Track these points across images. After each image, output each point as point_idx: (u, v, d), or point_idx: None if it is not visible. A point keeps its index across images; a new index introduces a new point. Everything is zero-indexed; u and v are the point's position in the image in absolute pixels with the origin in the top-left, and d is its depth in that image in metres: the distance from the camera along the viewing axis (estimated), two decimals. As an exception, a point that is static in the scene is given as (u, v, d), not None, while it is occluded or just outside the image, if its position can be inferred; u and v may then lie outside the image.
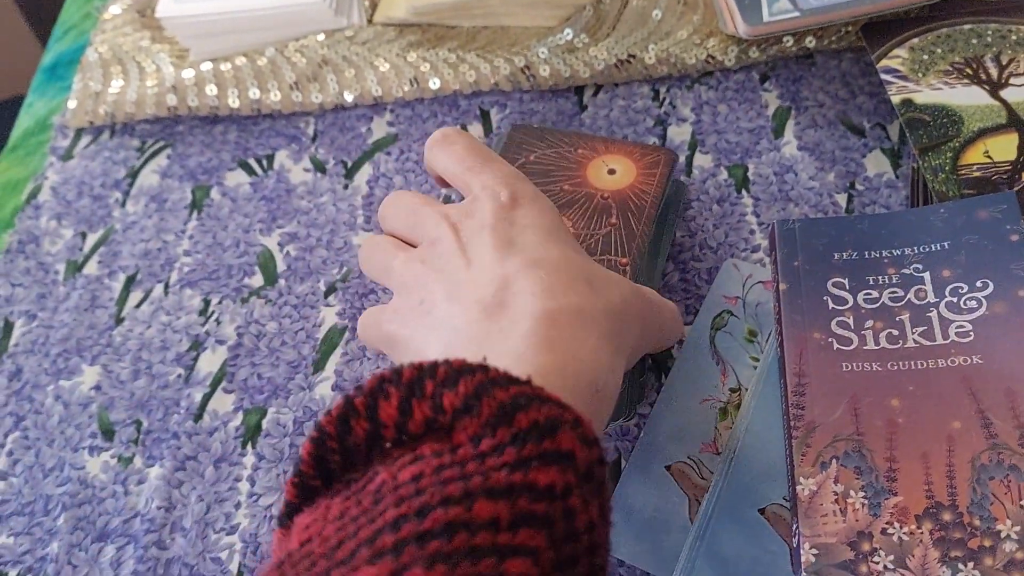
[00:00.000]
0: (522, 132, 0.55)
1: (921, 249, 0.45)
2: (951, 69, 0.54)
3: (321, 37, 0.65)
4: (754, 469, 0.42)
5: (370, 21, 0.66)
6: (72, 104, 0.65)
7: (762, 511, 0.41)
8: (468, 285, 0.37)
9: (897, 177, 0.55)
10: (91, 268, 0.58)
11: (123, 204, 0.61)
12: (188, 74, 0.64)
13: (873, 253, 0.46)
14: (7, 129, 0.76)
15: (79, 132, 0.66)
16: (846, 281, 0.45)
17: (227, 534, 0.46)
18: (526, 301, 0.35)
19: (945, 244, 0.45)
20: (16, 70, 1.31)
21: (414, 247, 0.42)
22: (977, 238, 0.44)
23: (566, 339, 0.34)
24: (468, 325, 0.35)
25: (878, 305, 0.44)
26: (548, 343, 0.34)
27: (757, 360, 0.48)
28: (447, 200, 0.57)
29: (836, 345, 0.43)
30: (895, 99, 0.53)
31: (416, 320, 0.38)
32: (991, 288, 0.42)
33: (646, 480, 0.44)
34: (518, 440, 0.27)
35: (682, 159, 0.58)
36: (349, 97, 0.63)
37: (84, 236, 0.59)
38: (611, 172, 0.52)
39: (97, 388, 0.52)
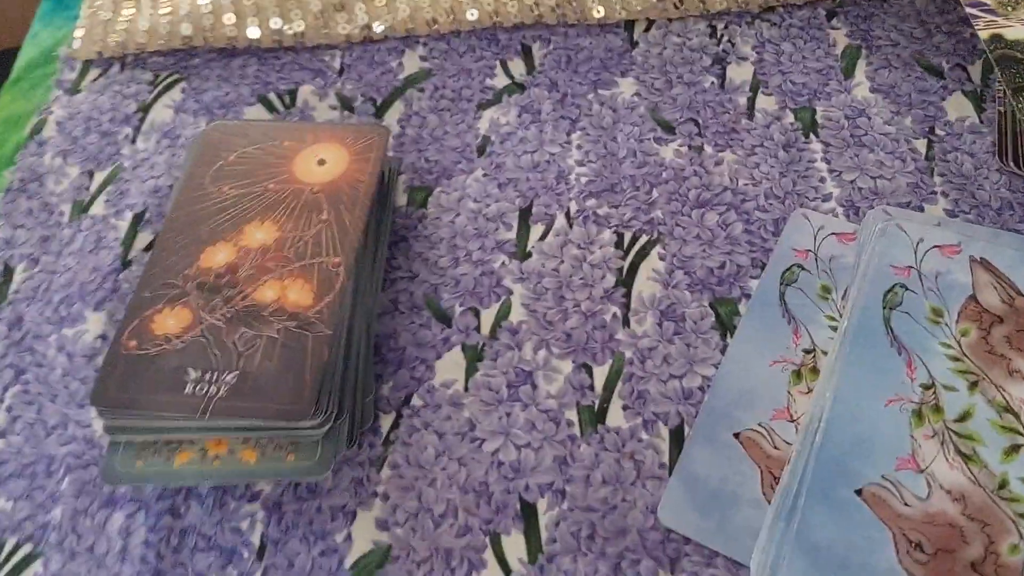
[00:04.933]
0: (219, 131, 0.51)
1: None
2: (1047, 3, 0.49)
3: (348, -37, 0.60)
4: (844, 443, 0.37)
5: (401, -53, 0.61)
6: (79, 33, 0.61)
7: (859, 491, 0.36)
8: None
9: (982, 122, 0.51)
10: (98, 208, 0.53)
11: (133, 140, 0.56)
12: (204, 0, 0.59)
13: None
14: (5, 75, 0.72)
15: (87, 64, 0.61)
16: None
17: (248, 501, 0.42)
18: None
19: None
20: (11, 20, 1.26)
21: None
22: None
23: None
24: None
25: None
26: None
27: (833, 319, 0.43)
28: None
29: None
30: (983, 35, 0.49)
31: None
32: None
33: (712, 449, 0.40)
34: None
35: (743, 100, 0.53)
36: (379, 28, 0.59)
37: (91, 174, 0.55)
38: (321, 163, 0.49)
39: (103, 337, 0.48)
